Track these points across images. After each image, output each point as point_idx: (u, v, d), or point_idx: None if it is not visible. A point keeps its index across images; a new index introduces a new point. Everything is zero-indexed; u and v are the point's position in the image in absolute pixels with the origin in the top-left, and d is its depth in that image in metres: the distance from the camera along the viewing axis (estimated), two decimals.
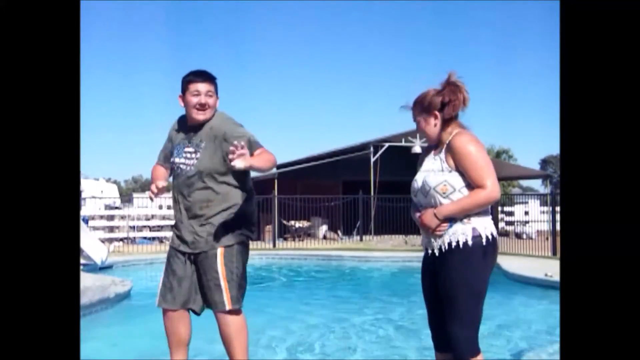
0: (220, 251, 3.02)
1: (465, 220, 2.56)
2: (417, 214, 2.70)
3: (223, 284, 2.99)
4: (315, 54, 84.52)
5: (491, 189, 2.51)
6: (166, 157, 3.19)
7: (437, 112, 2.65)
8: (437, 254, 2.63)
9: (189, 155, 3.05)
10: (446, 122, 2.65)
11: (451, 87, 2.65)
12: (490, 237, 2.58)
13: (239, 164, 2.60)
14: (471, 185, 2.56)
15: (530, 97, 77.69)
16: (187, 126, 3.10)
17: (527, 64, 74.26)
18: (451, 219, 2.58)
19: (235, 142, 2.63)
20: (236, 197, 3.06)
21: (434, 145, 2.74)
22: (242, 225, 3.09)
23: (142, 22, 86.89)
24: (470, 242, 2.54)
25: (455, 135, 2.62)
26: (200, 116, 3.01)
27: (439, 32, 79.30)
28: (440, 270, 2.63)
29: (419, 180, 2.69)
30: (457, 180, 2.57)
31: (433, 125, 2.67)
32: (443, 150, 2.64)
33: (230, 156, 2.62)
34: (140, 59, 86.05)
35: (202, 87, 2.99)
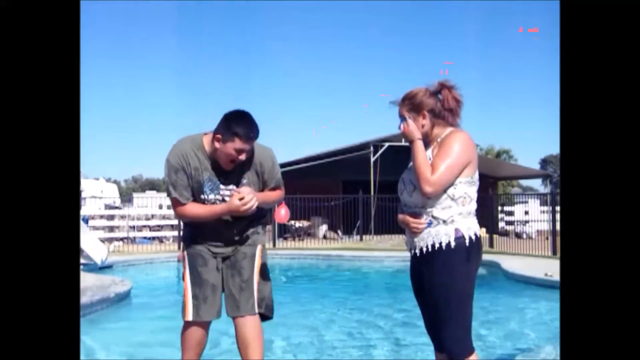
0: (259, 249, 3.11)
1: (448, 221, 2.56)
2: (401, 216, 2.71)
3: (255, 285, 3.03)
4: (314, 54, 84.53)
5: (431, 183, 2.48)
6: (189, 192, 2.98)
7: (426, 113, 2.64)
8: (419, 255, 2.64)
9: (227, 192, 2.97)
10: (436, 123, 2.65)
11: (445, 88, 2.64)
12: (473, 237, 2.57)
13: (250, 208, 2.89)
14: (457, 186, 2.55)
15: (530, 97, 77.75)
16: (205, 160, 2.96)
17: (527, 64, 74.29)
18: (433, 219, 2.57)
19: (244, 195, 2.87)
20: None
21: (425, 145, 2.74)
22: (263, 225, 3.21)
23: (142, 22, 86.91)
24: (453, 244, 2.53)
25: (452, 132, 2.62)
26: (229, 167, 2.93)
27: (439, 32, 79.34)
28: (425, 273, 2.63)
29: (405, 178, 2.69)
30: None
31: (421, 125, 2.64)
32: (431, 148, 2.64)
33: (244, 206, 2.85)
34: (140, 59, 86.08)
35: (245, 146, 2.87)
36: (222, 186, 2.97)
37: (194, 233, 3.06)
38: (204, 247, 3.03)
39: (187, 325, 3.00)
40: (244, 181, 2.99)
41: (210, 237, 3.02)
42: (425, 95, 2.65)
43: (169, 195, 3.00)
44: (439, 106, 2.64)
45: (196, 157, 2.94)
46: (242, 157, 2.89)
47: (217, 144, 2.89)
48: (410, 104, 2.66)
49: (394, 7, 79.30)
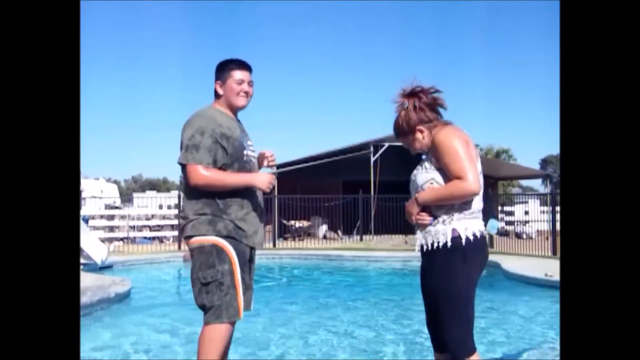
0: None
1: (447, 221, 2.58)
2: (408, 204, 2.74)
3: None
4: (315, 54, 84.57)
5: (471, 181, 2.48)
6: (211, 156, 2.84)
7: (421, 127, 2.69)
8: (421, 252, 2.69)
9: (252, 148, 3.06)
10: (432, 126, 2.69)
11: (415, 95, 2.70)
12: (471, 237, 2.57)
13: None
14: (477, 164, 2.58)
15: (530, 97, 77.80)
16: (228, 118, 2.98)
17: (527, 64, 74.31)
18: (434, 218, 2.60)
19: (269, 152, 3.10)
20: None
21: None
22: None
23: (142, 23, 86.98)
24: (449, 244, 2.56)
25: (436, 132, 2.65)
26: (244, 102, 3.01)
27: (439, 32, 79.41)
28: (424, 271, 2.69)
29: (413, 175, 2.72)
30: (443, 178, 2.59)
31: (422, 138, 2.70)
32: (429, 153, 2.69)
33: (274, 158, 3.08)
34: (140, 60, 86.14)
35: (245, 75, 2.99)
36: (248, 142, 3.03)
37: (239, 227, 2.89)
38: (248, 243, 2.93)
39: (228, 325, 2.82)
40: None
41: (257, 231, 2.98)
42: (406, 116, 2.71)
43: (185, 161, 2.81)
44: (422, 115, 2.69)
45: (225, 118, 2.96)
46: (246, 87, 2.98)
47: (221, 91, 2.99)
48: (404, 134, 2.74)
49: (396, 6, 79.35)
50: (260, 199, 3.05)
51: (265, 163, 3.06)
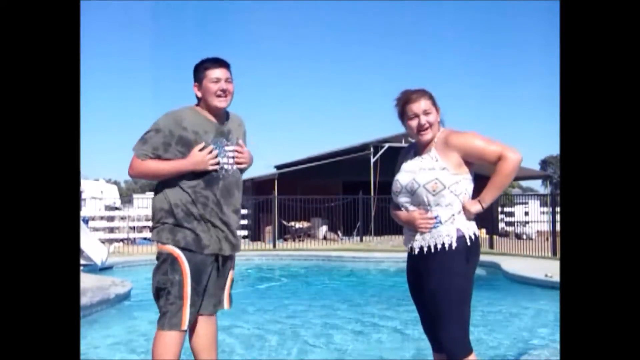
0: None
1: (449, 221, 2.58)
2: (402, 212, 2.70)
3: (229, 282, 3.03)
4: (315, 54, 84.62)
5: (511, 153, 2.54)
6: (154, 155, 2.84)
7: (439, 111, 2.73)
8: (417, 254, 2.65)
9: (230, 154, 2.92)
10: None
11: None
12: (473, 237, 2.60)
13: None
14: (460, 182, 2.59)
15: (530, 97, 77.82)
16: (203, 121, 2.89)
17: (527, 65, 74.35)
18: (436, 219, 2.59)
19: (241, 144, 2.98)
20: None
21: (413, 147, 2.78)
22: None
23: (142, 23, 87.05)
24: (454, 245, 2.55)
25: (448, 134, 2.67)
26: (222, 103, 2.87)
27: (439, 33, 79.46)
28: (423, 273, 2.64)
29: (402, 179, 2.68)
30: (447, 178, 2.58)
31: (436, 118, 2.70)
32: (433, 148, 2.66)
33: (241, 157, 2.96)
34: (140, 60, 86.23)
35: (221, 73, 2.87)
36: (224, 147, 2.90)
37: (199, 237, 2.82)
38: (212, 253, 2.85)
39: (174, 333, 2.78)
40: (239, 141, 2.98)
41: (227, 238, 2.89)
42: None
43: (132, 150, 2.85)
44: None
45: (197, 120, 2.87)
46: (224, 85, 2.86)
47: (199, 93, 2.89)
48: (433, 101, 2.71)
49: (396, 7, 79.44)
50: (231, 202, 2.91)
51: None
